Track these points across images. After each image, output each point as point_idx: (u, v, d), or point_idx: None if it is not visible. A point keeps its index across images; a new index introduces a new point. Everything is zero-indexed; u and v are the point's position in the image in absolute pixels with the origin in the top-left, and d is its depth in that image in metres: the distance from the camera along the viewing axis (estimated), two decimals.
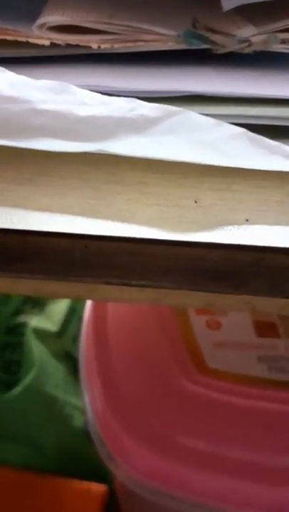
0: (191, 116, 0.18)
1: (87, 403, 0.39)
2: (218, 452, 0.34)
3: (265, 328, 0.38)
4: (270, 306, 0.28)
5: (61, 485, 0.44)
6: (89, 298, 0.38)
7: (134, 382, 0.37)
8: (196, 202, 0.18)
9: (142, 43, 0.21)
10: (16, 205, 0.18)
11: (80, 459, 0.46)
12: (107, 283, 0.18)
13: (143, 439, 0.35)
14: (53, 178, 0.18)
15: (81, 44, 0.21)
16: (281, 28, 0.21)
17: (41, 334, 0.49)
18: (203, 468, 0.34)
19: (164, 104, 0.18)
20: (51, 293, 0.27)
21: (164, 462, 0.34)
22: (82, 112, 0.18)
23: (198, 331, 0.38)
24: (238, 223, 0.17)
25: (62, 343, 0.50)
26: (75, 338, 0.48)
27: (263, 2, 0.21)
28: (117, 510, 0.43)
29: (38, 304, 0.52)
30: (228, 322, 0.38)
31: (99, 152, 0.18)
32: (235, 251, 0.17)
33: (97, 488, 0.44)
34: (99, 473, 0.43)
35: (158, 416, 0.36)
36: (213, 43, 0.21)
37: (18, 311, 0.51)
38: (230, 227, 0.17)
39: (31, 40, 0.21)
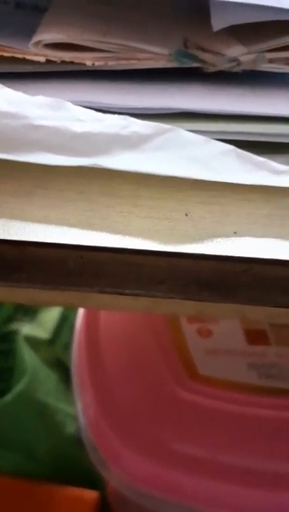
0: (182, 133, 0.18)
1: (80, 410, 0.39)
2: (210, 457, 0.35)
3: (255, 336, 0.39)
4: (260, 314, 0.28)
5: (54, 491, 0.44)
6: (83, 306, 0.38)
7: (127, 389, 0.38)
8: (186, 215, 0.19)
9: (135, 61, 0.22)
10: (13, 216, 0.18)
11: (72, 465, 0.46)
12: (101, 292, 0.18)
13: (136, 445, 0.36)
14: (49, 191, 0.19)
15: (76, 61, 0.22)
16: (269, 48, 0.22)
17: (33, 342, 0.49)
18: (195, 473, 0.35)
19: (156, 120, 0.19)
20: (46, 301, 0.27)
21: (157, 468, 0.35)
22: (78, 128, 0.18)
23: (189, 338, 0.38)
24: (227, 236, 0.18)
25: (54, 350, 0.50)
26: (67, 346, 0.48)
27: (253, 22, 0.21)
28: None
29: (29, 311, 0.52)
30: (219, 330, 0.39)
31: (94, 166, 0.18)
32: (225, 262, 0.18)
33: (90, 494, 0.44)
34: (91, 479, 0.43)
35: (150, 422, 0.36)
36: (203, 61, 0.22)
37: (9, 319, 0.51)
38: (219, 239, 0.18)
39: (27, 57, 0.22)
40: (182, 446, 0.35)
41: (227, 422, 0.36)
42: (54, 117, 0.18)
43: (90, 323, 0.42)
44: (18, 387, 0.46)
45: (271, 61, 0.22)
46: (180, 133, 0.18)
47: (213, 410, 0.36)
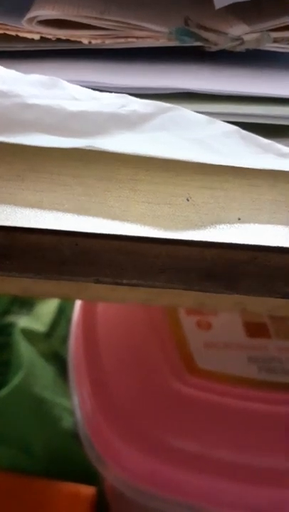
0: (184, 113, 0.17)
1: (77, 404, 0.38)
2: (209, 453, 0.34)
3: (255, 329, 0.38)
4: (262, 306, 0.28)
5: (50, 487, 0.43)
6: (79, 297, 0.37)
7: (124, 383, 0.37)
8: (188, 200, 0.18)
9: (133, 40, 0.21)
10: (2, 201, 0.17)
11: (69, 460, 0.45)
12: (98, 281, 0.18)
13: (133, 440, 0.35)
14: (42, 174, 0.18)
15: (72, 39, 0.21)
16: (274, 27, 0.21)
17: (30, 335, 0.49)
18: (193, 469, 0.34)
19: (156, 101, 0.18)
20: (41, 292, 0.26)
21: (154, 464, 0.34)
22: (73, 107, 0.17)
23: (188, 331, 0.38)
24: (231, 222, 0.17)
25: (51, 343, 0.50)
26: (64, 339, 0.47)
27: (256, 1, 0.21)
28: None
29: (26, 304, 0.51)
30: (218, 322, 0.38)
31: (89, 148, 0.18)
32: (228, 250, 0.17)
33: (87, 490, 0.43)
34: (88, 475, 0.43)
35: (148, 417, 0.35)
36: (205, 40, 0.21)
37: (6, 312, 0.51)
38: (222, 226, 0.17)
39: (21, 34, 0.21)
40: (180, 442, 0.34)
41: (226, 417, 0.35)
42: (48, 96, 0.17)
43: (87, 315, 0.41)
44: (15, 381, 0.45)
45: (275, 40, 0.21)
46: (182, 112, 0.17)
47: (212, 405, 0.35)
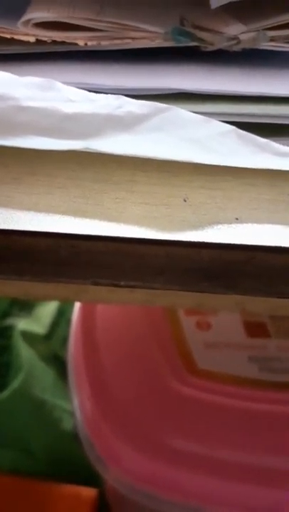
0: (180, 113, 0.17)
1: (77, 406, 0.38)
2: (209, 454, 0.34)
3: (255, 329, 0.38)
4: (261, 306, 0.27)
5: (51, 489, 0.43)
6: (78, 300, 0.37)
7: (124, 385, 0.37)
8: (185, 201, 0.18)
9: (129, 40, 0.21)
10: (0, 204, 0.17)
11: (70, 462, 0.45)
12: (95, 284, 0.17)
13: (133, 441, 0.35)
14: (38, 177, 0.18)
15: (67, 41, 0.21)
16: (270, 26, 0.21)
17: (29, 337, 0.49)
18: (194, 470, 0.34)
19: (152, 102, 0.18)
20: (39, 295, 0.26)
21: (155, 465, 0.34)
22: (68, 108, 0.17)
23: (188, 331, 0.38)
24: (228, 222, 0.17)
25: (51, 345, 0.50)
26: (64, 341, 0.47)
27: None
28: None
29: (26, 306, 0.51)
30: (218, 323, 0.38)
31: (86, 150, 0.17)
32: (226, 250, 0.17)
33: (88, 492, 0.43)
34: (90, 476, 0.43)
35: (148, 418, 0.35)
36: (201, 40, 0.21)
37: (5, 314, 0.51)
38: (220, 226, 0.17)
39: (16, 37, 0.21)
40: (181, 443, 0.34)
41: (227, 417, 0.35)
42: (43, 98, 0.17)
43: (87, 317, 0.41)
44: (15, 384, 0.45)
45: (272, 39, 0.21)
46: (178, 112, 0.17)
47: (212, 405, 0.35)
